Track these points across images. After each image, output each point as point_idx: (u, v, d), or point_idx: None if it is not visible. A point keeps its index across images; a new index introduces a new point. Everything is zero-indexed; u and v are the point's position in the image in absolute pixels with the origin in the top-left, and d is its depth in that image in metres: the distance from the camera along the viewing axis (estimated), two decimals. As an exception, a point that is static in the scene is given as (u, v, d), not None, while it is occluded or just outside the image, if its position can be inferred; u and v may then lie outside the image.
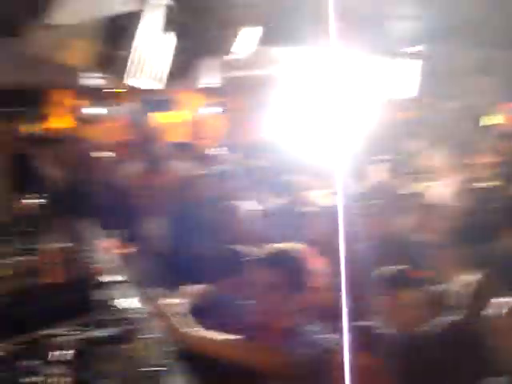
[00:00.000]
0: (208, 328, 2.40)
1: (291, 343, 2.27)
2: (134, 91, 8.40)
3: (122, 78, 3.57)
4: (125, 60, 3.46)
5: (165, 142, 7.23)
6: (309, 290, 2.42)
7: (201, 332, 2.31)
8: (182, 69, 4.73)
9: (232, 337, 2.33)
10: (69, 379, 1.54)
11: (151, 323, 1.94)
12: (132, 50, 3.46)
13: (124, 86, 8.11)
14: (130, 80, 3.45)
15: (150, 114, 9.31)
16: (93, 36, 3.44)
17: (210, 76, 7.27)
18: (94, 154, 6.27)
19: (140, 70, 3.54)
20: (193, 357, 2.07)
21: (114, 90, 8.33)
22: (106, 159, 6.55)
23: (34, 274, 2.02)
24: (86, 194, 5.41)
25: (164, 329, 2.05)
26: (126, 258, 2.62)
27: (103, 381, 1.62)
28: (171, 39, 3.72)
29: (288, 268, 2.42)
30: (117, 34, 3.48)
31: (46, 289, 1.91)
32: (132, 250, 3.16)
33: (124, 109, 9.17)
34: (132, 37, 3.44)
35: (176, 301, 2.51)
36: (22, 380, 1.54)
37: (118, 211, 5.14)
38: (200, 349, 2.27)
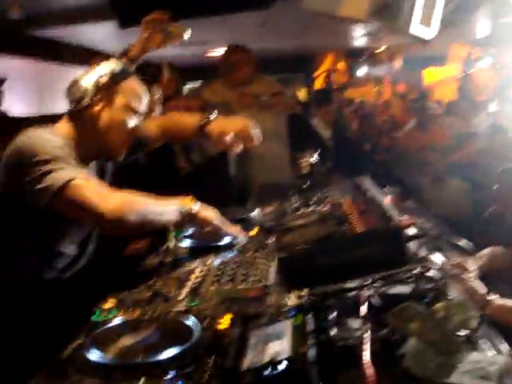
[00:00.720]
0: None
1: None
2: (402, 48, 8.19)
3: (400, 28, 3.42)
4: (406, 9, 3.30)
5: (436, 99, 6.96)
6: None
7: (503, 300, 2.09)
8: (455, 18, 4.41)
9: None
10: (370, 334, 1.50)
11: (453, 284, 1.82)
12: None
13: (395, 41, 7.97)
14: (411, 30, 3.26)
15: (420, 71, 9.04)
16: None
17: (482, 25, 6.71)
18: (365, 114, 6.32)
19: (420, 18, 3.33)
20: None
21: (382, 48, 8.22)
22: (377, 119, 6.56)
23: (333, 224, 2.03)
24: (358, 150, 5.50)
25: (464, 291, 1.91)
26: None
27: (405, 340, 1.55)
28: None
29: None
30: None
31: (347, 240, 1.90)
32: (410, 207, 3.05)
33: (393, 67, 9.02)
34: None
35: (474, 263, 2.34)
36: (327, 330, 1.54)
37: (391, 168, 5.14)
38: (501, 318, 2.06)
